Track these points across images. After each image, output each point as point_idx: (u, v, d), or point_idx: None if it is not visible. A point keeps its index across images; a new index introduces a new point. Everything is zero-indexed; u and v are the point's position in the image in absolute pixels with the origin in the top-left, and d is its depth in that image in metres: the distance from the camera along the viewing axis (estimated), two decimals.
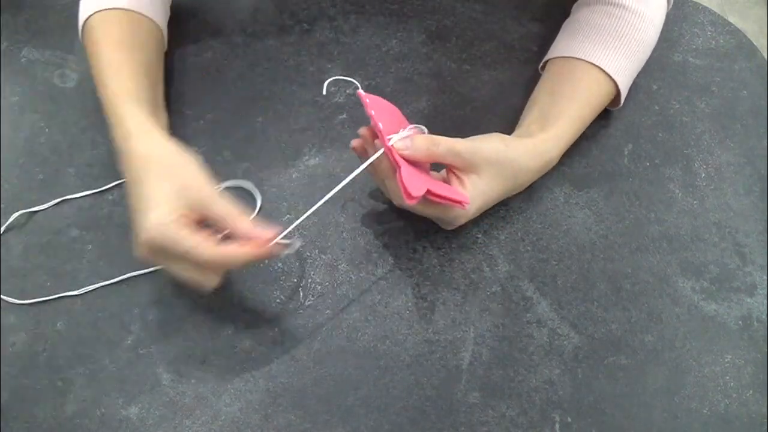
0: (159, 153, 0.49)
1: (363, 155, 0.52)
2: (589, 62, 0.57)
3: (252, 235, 0.46)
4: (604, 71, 0.57)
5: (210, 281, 0.47)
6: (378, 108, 0.50)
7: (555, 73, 0.60)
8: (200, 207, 0.47)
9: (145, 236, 0.45)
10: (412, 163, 0.49)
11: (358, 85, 0.51)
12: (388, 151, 0.48)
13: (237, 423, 0.49)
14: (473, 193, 0.51)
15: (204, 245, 0.45)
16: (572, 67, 0.59)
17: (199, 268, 0.46)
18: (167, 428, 0.49)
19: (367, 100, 0.49)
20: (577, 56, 0.58)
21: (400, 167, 0.48)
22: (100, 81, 0.54)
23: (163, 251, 0.46)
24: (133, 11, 0.57)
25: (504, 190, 0.54)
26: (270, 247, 0.47)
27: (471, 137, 0.53)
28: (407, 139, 0.49)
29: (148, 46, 0.59)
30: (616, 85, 0.58)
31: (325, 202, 0.58)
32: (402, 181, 0.47)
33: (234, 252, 0.46)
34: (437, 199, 0.49)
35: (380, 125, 0.48)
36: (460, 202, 0.49)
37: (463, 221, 0.53)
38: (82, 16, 0.57)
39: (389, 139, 0.48)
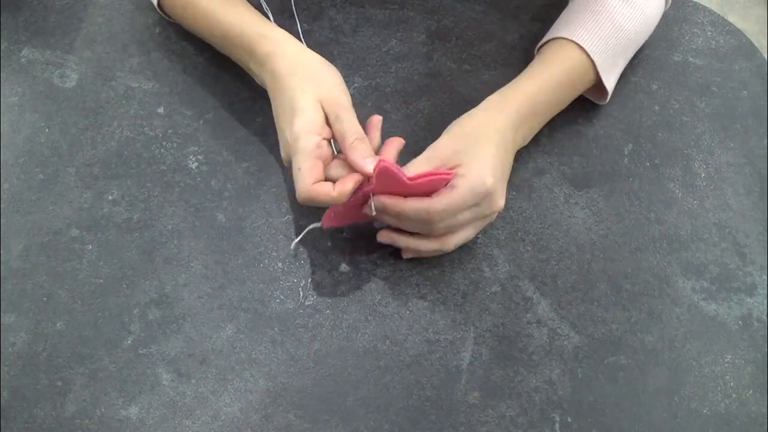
0: (304, 62, 0.54)
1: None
2: (560, 37, 0.59)
3: (356, 166, 0.49)
4: (574, 42, 0.57)
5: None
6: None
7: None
8: (331, 120, 0.51)
9: (287, 140, 0.50)
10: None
11: (320, 225, 0.53)
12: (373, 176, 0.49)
13: (237, 423, 0.49)
14: (471, 165, 0.49)
15: (305, 175, 0.48)
16: (545, 47, 0.60)
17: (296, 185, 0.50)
18: (167, 428, 0.49)
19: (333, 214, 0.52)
20: (549, 37, 0.60)
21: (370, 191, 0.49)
22: (215, 19, 0.58)
23: (289, 156, 0.51)
24: None
25: (497, 149, 0.51)
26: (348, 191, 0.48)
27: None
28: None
29: None
30: (592, 62, 0.58)
31: None
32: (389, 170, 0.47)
33: (318, 195, 0.48)
34: (422, 180, 0.48)
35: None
36: (442, 174, 0.49)
37: (490, 187, 0.49)
38: None
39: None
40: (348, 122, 0.50)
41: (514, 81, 0.58)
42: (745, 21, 1.76)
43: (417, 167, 0.50)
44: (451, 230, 0.51)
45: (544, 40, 0.61)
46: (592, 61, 0.58)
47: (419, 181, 0.48)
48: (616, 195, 0.60)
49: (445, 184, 0.49)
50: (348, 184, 0.48)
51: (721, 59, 0.69)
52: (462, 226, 0.51)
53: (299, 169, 0.48)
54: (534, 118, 0.57)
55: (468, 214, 0.50)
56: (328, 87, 0.52)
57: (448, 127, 0.54)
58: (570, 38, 0.58)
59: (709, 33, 0.71)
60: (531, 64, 0.60)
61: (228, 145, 0.61)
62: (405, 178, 0.47)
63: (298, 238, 0.55)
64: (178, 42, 0.66)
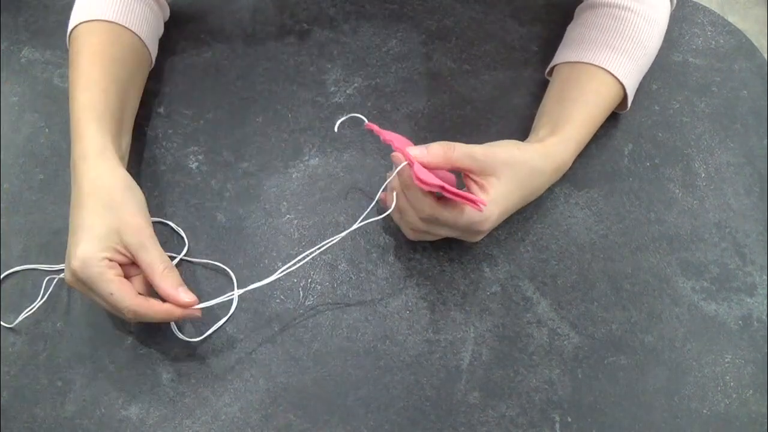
0: (107, 184, 0.49)
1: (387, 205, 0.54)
2: (596, 65, 0.57)
3: (169, 297, 0.47)
4: (610, 74, 0.57)
5: (129, 320, 0.48)
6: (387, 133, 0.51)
7: (562, 79, 0.60)
8: (131, 251, 0.47)
9: (71, 266, 0.46)
10: (432, 172, 0.49)
11: (365, 120, 0.51)
12: (408, 158, 0.48)
13: (237, 423, 0.49)
14: (494, 195, 0.50)
15: (123, 294, 0.46)
16: (579, 72, 0.59)
17: (116, 309, 0.47)
18: (167, 428, 0.49)
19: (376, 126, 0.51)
20: (583, 60, 0.58)
21: (413, 164, 0.48)
22: (71, 94, 0.54)
23: (85, 285, 0.46)
24: (118, 24, 0.56)
25: (521, 194, 0.53)
26: (186, 312, 0.48)
27: (485, 144, 0.52)
28: (422, 147, 0.49)
29: (127, 63, 0.57)
30: (623, 88, 0.58)
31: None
32: (414, 172, 0.47)
33: (150, 309, 0.47)
34: (452, 196, 0.48)
35: (394, 141, 0.49)
36: (474, 201, 0.48)
37: (487, 227, 0.51)
38: (70, 26, 0.57)
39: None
40: (154, 251, 0.48)
41: (568, 119, 0.56)
42: (745, 21, 1.76)
43: (459, 158, 0.49)
44: (424, 229, 0.51)
45: (566, 60, 0.60)
46: (623, 87, 0.58)
47: (451, 196, 0.48)
48: (616, 195, 0.60)
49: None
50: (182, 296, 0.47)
51: (721, 59, 0.69)
52: (433, 233, 0.52)
53: (111, 294, 0.46)
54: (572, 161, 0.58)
55: (446, 231, 0.51)
56: (130, 213, 0.48)
57: (504, 142, 0.53)
58: (603, 66, 0.57)
59: (709, 33, 0.71)
60: (578, 96, 0.58)
61: (228, 145, 0.61)
62: (444, 185, 0.47)
63: (343, 119, 0.52)
64: (178, 42, 0.67)
